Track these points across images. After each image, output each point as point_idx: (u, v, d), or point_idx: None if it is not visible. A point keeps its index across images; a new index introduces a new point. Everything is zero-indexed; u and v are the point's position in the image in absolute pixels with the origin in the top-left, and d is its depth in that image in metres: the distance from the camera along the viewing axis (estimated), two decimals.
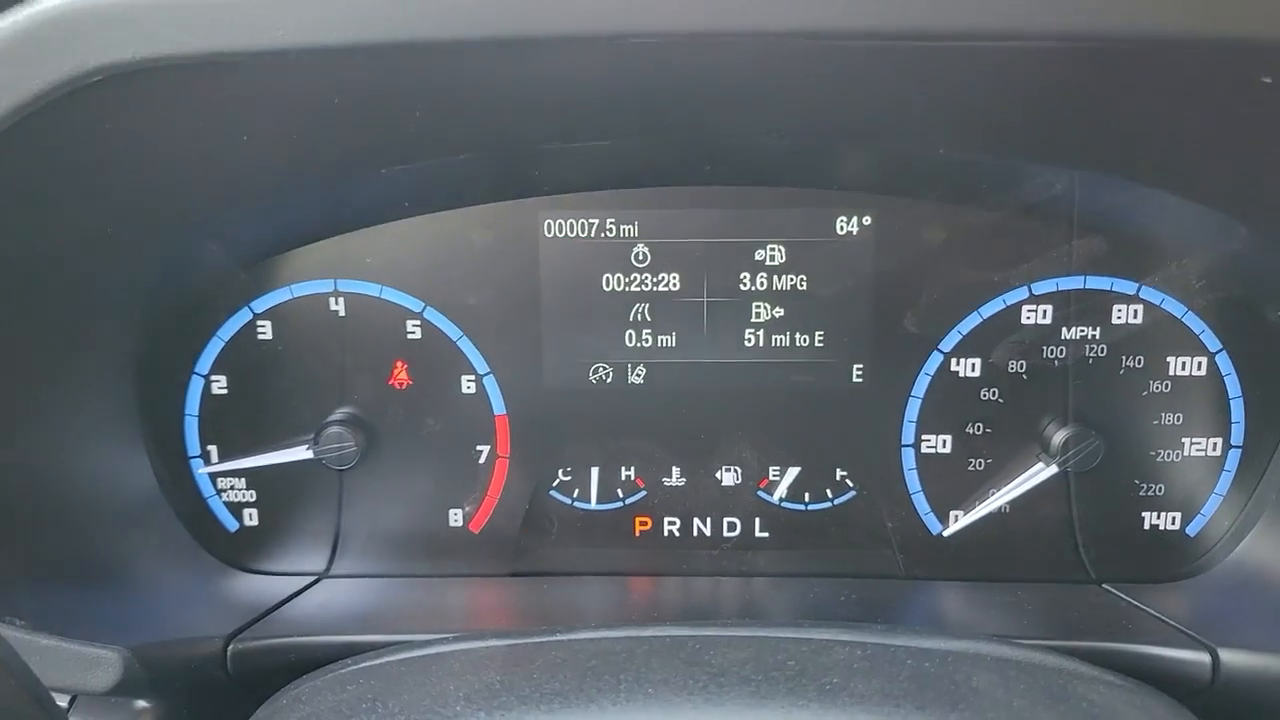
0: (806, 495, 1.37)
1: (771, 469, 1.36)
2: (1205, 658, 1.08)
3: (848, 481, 1.36)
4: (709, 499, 1.37)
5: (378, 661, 0.95)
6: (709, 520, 1.38)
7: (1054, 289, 1.28)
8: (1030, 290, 1.28)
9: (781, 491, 1.37)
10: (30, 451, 1.13)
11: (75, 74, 0.85)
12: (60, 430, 1.16)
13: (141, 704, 1.06)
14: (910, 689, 0.81)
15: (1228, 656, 1.07)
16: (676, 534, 1.38)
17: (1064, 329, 1.29)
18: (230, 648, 1.11)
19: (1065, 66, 0.93)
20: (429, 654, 0.94)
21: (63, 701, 1.06)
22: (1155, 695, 0.90)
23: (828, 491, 1.37)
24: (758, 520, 1.38)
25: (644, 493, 1.38)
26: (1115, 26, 0.83)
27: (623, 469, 1.37)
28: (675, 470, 1.37)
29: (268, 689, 0.97)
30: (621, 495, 1.38)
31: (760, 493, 1.37)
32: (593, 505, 1.38)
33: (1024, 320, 1.29)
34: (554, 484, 1.37)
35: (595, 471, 1.37)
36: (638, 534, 1.38)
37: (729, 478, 1.37)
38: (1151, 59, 0.90)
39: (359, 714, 0.83)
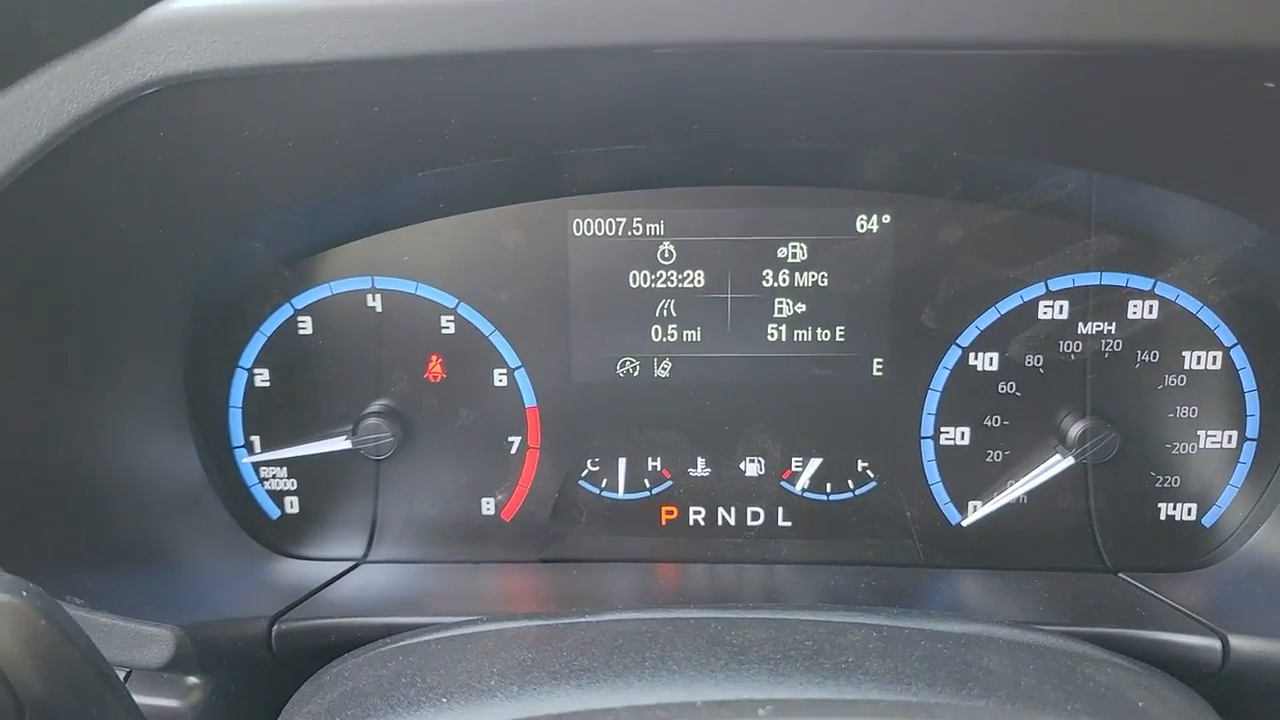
0: (828, 486, 1.39)
1: (794, 460, 1.39)
2: (1216, 644, 1.09)
3: (868, 472, 1.38)
4: (733, 489, 1.40)
5: (415, 640, 0.98)
6: (733, 510, 1.41)
7: (1070, 285, 1.30)
8: (1047, 286, 1.30)
9: (804, 482, 1.39)
10: (88, 442, 1.18)
11: (133, 86, 0.90)
12: (114, 422, 1.21)
13: (192, 680, 1.10)
14: (922, 668, 0.84)
15: (1238, 643, 1.09)
16: (701, 523, 1.41)
17: (1080, 324, 1.31)
18: (275, 628, 1.15)
19: (1081, 73, 0.95)
20: (464, 633, 0.98)
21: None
22: (1162, 676, 0.93)
23: (849, 482, 1.39)
24: (780, 510, 1.40)
25: (670, 483, 1.40)
26: (1128, 36, 0.86)
27: (649, 460, 1.39)
28: (700, 461, 1.39)
29: (310, 667, 1.01)
30: (648, 485, 1.40)
31: (783, 483, 1.40)
32: (620, 495, 1.40)
33: (1041, 315, 1.31)
34: (583, 474, 1.40)
35: (623, 462, 1.39)
36: (664, 523, 1.41)
37: (753, 469, 1.39)
38: (1163, 66, 0.92)
39: (399, 688, 0.86)
